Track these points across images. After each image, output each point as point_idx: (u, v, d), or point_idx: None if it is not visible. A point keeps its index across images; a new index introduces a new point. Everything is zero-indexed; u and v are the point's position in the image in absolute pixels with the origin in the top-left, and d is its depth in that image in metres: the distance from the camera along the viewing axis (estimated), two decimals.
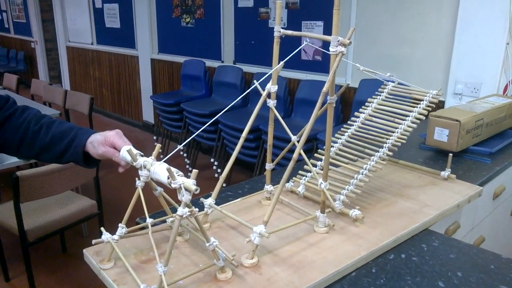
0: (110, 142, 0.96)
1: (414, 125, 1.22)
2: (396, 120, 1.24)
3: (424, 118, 1.25)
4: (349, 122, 1.34)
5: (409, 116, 1.24)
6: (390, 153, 1.20)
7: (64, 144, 0.99)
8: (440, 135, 1.64)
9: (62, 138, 0.99)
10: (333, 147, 1.27)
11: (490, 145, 1.71)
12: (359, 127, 1.30)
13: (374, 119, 1.29)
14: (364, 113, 1.32)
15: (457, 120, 1.59)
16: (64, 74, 7.21)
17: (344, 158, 1.23)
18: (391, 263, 0.97)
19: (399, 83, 1.35)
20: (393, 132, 1.22)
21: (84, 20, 6.21)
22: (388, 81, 1.34)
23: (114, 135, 0.96)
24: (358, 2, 3.03)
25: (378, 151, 1.20)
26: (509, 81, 2.31)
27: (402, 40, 2.86)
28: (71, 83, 7.06)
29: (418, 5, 2.73)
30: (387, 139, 1.21)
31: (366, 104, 1.35)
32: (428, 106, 1.25)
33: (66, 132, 1.00)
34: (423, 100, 1.26)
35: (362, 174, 1.16)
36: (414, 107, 1.25)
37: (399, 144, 1.20)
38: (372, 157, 1.20)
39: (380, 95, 1.35)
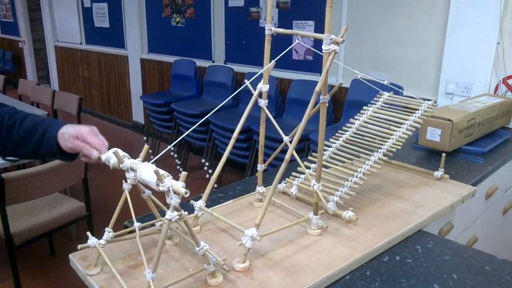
0: (83, 138, 0.92)
1: (410, 132, 1.23)
2: (391, 127, 1.26)
3: (419, 126, 1.27)
4: (343, 127, 1.33)
5: (404, 124, 1.25)
6: (385, 158, 1.20)
7: (37, 136, 0.97)
8: (433, 135, 1.63)
9: (35, 131, 0.97)
10: (328, 150, 1.27)
11: (482, 144, 1.71)
12: (354, 133, 1.30)
13: (369, 125, 1.30)
14: (359, 119, 1.33)
15: (449, 120, 1.58)
16: (52, 74, 7.12)
17: (338, 162, 1.22)
18: (386, 265, 0.95)
19: (394, 93, 1.37)
20: (388, 138, 1.23)
21: (73, 19, 6.13)
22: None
23: (89, 132, 0.92)
24: (349, 2, 3.02)
25: (373, 155, 1.20)
26: (500, 81, 2.31)
27: (393, 40, 2.85)
28: (59, 83, 6.96)
29: (409, 5, 2.72)
30: (382, 144, 1.22)
31: (361, 111, 1.35)
32: (423, 116, 1.27)
33: (38, 124, 0.98)
34: (418, 110, 1.28)
35: (357, 177, 1.15)
36: (409, 115, 1.27)
37: (394, 150, 1.21)
38: (367, 161, 1.19)
39: (375, 104, 1.36)
